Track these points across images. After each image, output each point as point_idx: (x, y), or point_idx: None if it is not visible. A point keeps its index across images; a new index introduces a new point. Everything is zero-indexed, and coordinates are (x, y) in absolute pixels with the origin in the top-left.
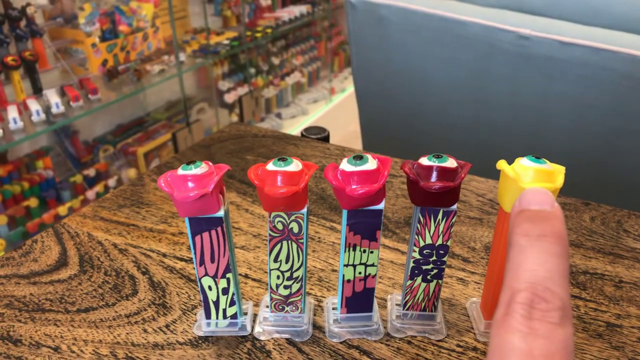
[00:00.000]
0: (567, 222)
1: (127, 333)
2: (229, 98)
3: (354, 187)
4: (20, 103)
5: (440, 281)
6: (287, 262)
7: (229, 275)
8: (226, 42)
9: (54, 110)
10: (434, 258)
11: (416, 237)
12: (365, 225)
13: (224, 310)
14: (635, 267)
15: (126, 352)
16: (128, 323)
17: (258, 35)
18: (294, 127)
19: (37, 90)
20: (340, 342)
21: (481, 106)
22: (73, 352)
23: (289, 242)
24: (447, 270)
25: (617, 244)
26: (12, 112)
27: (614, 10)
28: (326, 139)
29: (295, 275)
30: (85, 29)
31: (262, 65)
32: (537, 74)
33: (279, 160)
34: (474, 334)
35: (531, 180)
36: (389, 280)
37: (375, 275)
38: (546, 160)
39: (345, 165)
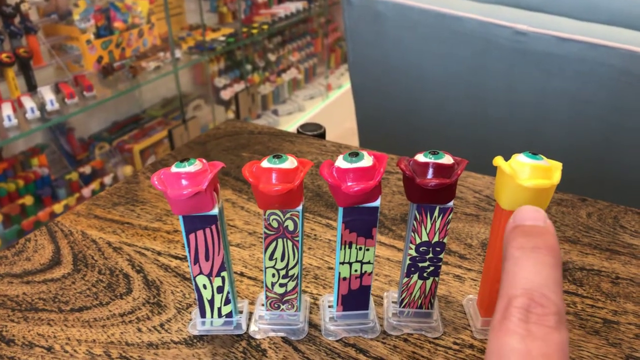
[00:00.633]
0: (564, 218)
1: (121, 332)
2: (225, 95)
3: (349, 184)
4: (14, 100)
5: (436, 278)
6: (282, 260)
7: (224, 273)
8: (222, 38)
9: (49, 107)
10: (430, 255)
11: (412, 234)
12: (361, 223)
13: (219, 309)
14: (631, 263)
15: (120, 352)
16: (122, 322)
17: (254, 31)
18: (291, 124)
19: (32, 87)
20: (337, 340)
21: (478, 102)
22: (66, 351)
23: (284, 240)
24: (443, 267)
25: (613, 240)
26: (7, 110)
27: (611, 6)
28: (322, 135)
29: (290, 273)
30: (80, 25)
31: (259, 62)
32: (534, 70)
33: (273, 157)
34: (471, 331)
35: (528, 177)
36: (385, 278)
37: (372, 272)
38: (543, 157)
39: (341, 163)
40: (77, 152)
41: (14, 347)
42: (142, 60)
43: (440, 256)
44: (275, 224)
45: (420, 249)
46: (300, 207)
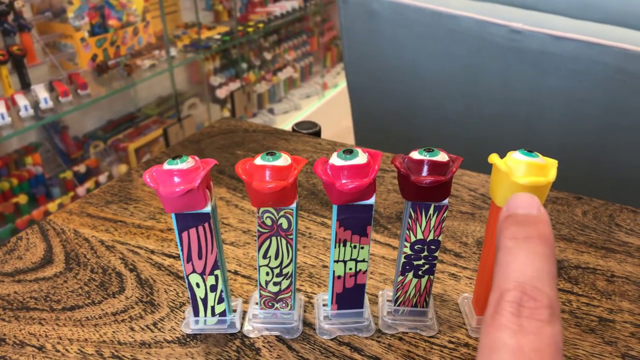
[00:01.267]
0: (559, 216)
1: (114, 331)
2: (221, 93)
3: (343, 181)
4: (7, 98)
5: (431, 277)
6: (276, 258)
7: (217, 272)
8: (218, 36)
9: (43, 105)
10: (425, 253)
11: (407, 232)
12: (356, 221)
13: (213, 308)
14: (627, 262)
15: (112, 351)
16: (115, 321)
17: (250, 30)
18: (287, 123)
19: (25, 85)
20: (331, 339)
21: (473, 100)
22: (58, 351)
23: (278, 238)
24: (438, 266)
25: (609, 238)
26: (0, 108)
27: (606, 4)
28: (317, 133)
29: (284, 271)
30: (74, 23)
31: (254, 61)
32: (530, 68)
33: (267, 154)
34: (466, 329)
35: (523, 174)
36: (380, 276)
37: (366, 271)
38: (539, 154)
39: (335, 160)
40: (72, 151)
41: (5, 346)
42: (137, 59)
43: (436, 254)
44: (269, 222)
45: (415, 247)
46: (294, 205)
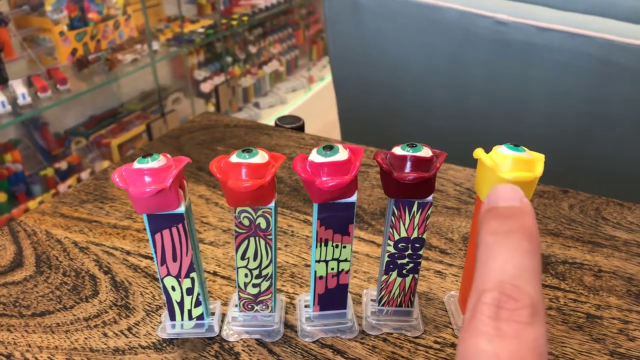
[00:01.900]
0: (545, 210)
1: (86, 338)
2: (205, 87)
3: (324, 179)
4: None
5: (416, 275)
6: (255, 259)
7: (193, 274)
8: (201, 30)
9: (21, 101)
10: (410, 252)
11: (390, 230)
12: (337, 219)
13: (189, 311)
14: (614, 256)
15: (84, 359)
16: (87, 327)
17: (234, 23)
18: (273, 117)
19: (3, 81)
20: (313, 342)
21: (459, 92)
22: (27, 359)
23: (257, 238)
24: (424, 263)
25: (596, 232)
26: None
27: None
28: (301, 128)
29: (264, 273)
30: (53, 16)
31: (239, 54)
32: (515, 60)
33: (243, 151)
34: (452, 329)
35: (509, 169)
36: (364, 275)
37: (349, 271)
38: (525, 148)
39: (315, 156)
40: (52, 148)
41: None
42: (118, 53)
43: (420, 252)
44: (246, 222)
45: (399, 246)
46: (272, 204)
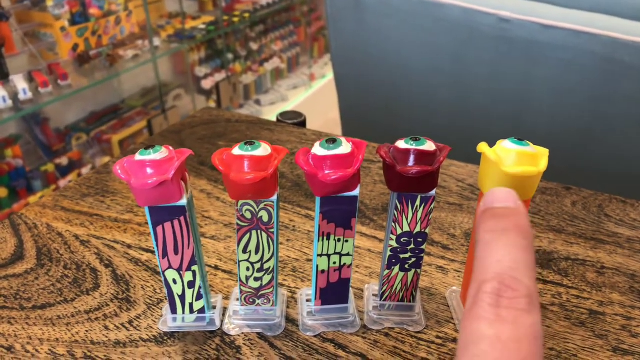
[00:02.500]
0: (548, 207)
1: (87, 330)
2: (206, 84)
3: (327, 172)
4: None
5: (418, 270)
6: (257, 253)
7: (195, 267)
8: (202, 26)
9: (22, 96)
10: (412, 246)
11: (393, 224)
12: (340, 213)
13: (191, 305)
14: (616, 253)
15: (85, 351)
16: (88, 320)
17: (235, 19)
18: (274, 114)
19: (4, 76)
20: (315, 336)
21: (461, 90)
22: (28, 351)
23: (259, 231)
24: (426, 259)
25: (598, 229)
26: None
27: None
28: (303, 124)
29: (266, 266)
30: (54, 11)
31: (240, 51)
32: (518, 58)
33: (245, 144)
34: (454, 324)
35: (513, 164)
36: (366, 270)
37: (351, 265)
38: (529, 143)
39: (318, 150)
40: (53, 143)
41: None
42: (119, 49)
43: (422, 247)
44: (248, 215)
45: (402, 240)
46: (275, 197)
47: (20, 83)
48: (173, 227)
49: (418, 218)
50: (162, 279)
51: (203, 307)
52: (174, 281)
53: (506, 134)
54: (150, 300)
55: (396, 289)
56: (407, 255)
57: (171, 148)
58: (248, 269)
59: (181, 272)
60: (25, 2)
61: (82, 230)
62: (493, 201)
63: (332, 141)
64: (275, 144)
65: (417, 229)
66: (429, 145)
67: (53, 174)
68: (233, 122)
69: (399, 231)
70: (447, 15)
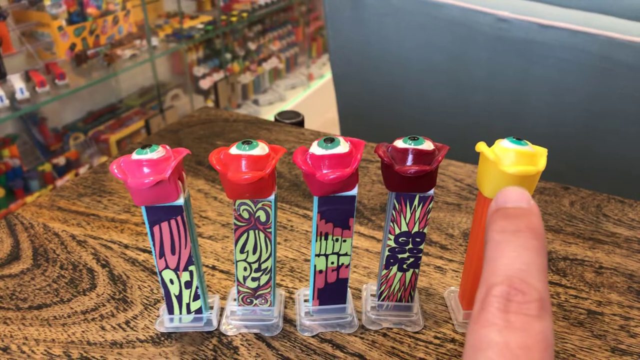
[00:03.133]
0: (546, 207)
1: (83, 331)
2: (204, 84)
3: (324, 171)
4: None
5: (416, 270)
6: (254, 252)
7: (192, 267)
8: (200, 26)
9: (19, 96)
10: (410, 246)
11: (391, 224)
12: (338, 213)
13: (188, 305)
14: (615, 252)
15: (81, 352)
16: (84, 320)
17: (234, 19)
18: (272, 114)
19: (1, 75)
20: (312, 336)
21: (460, 89)
22: (23, 352)
23: (256, 231)
24: (424, 259)
25: (596, 229)
26: None
27: None
28: (300, 123)
29: (263, 266)
30: (51, 11)
31: (238, 51)
32: (516, 57)
33: (243, 143)
34: (452, 324)
35: (512, 163)
36: (364, 270)
37: (349, 265)
38: (528, 142)
39: (316, 149)
40: (51, 143)
41: None
42: (117, 48)
43: (421, 247)
44: (246, 215)
45: (400, 240)
46: (272, 197)
47: (17, 82)
48: (170, 226)
49: (416, 218)
50: (159, 279)
51: (200, 308)
52: (171, 281)
53: (505, 133)
54: (147, 300)
55: (394, 289)
56: (405, 255)
57: (168, 147)
58: (245, 269)
59: (178, 272)
60: (23, 1)
61: (78, 230)
62: (505, 201)
63: (330, 140)
64: (273, 144)
65: (415, 229)
66: (427, 145)
67: (50, 173)
68: (231, 121)
69: (397, 231)
70: (445, 15)
